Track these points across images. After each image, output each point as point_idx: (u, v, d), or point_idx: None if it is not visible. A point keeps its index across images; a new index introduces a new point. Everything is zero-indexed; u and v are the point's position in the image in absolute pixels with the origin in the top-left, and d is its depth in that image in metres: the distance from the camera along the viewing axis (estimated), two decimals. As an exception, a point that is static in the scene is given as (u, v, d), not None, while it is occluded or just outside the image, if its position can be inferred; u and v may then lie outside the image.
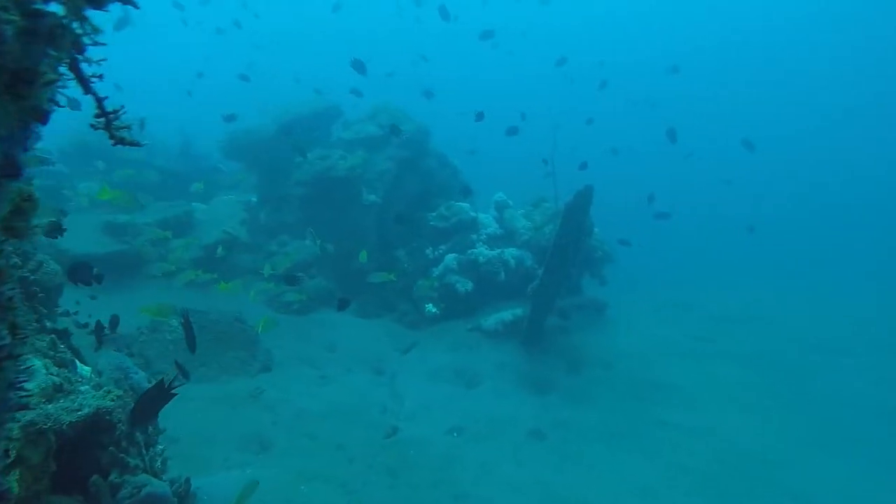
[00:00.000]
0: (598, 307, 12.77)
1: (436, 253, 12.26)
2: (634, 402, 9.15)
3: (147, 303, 8.61)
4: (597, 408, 8.87)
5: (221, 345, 8.94)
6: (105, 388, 3.56)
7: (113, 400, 3.41)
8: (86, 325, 5.72)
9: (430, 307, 11.62)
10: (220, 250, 9.60)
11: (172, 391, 3.84)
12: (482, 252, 11.87)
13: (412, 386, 9.25)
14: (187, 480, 4.32)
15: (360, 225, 13.28)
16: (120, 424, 3.49)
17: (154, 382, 3.89)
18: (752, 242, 22.15)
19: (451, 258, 11.83)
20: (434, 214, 12.64)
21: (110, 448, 3.44)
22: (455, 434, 7.81)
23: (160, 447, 4.20)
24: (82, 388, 3.45)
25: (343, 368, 9.78)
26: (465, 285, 11.64)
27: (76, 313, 5.69)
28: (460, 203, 12.69)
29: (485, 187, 15.68)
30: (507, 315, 11.09)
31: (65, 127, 15.42)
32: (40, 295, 4.32)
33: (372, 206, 13.24)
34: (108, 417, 3.34)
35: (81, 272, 4.77)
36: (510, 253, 12.08)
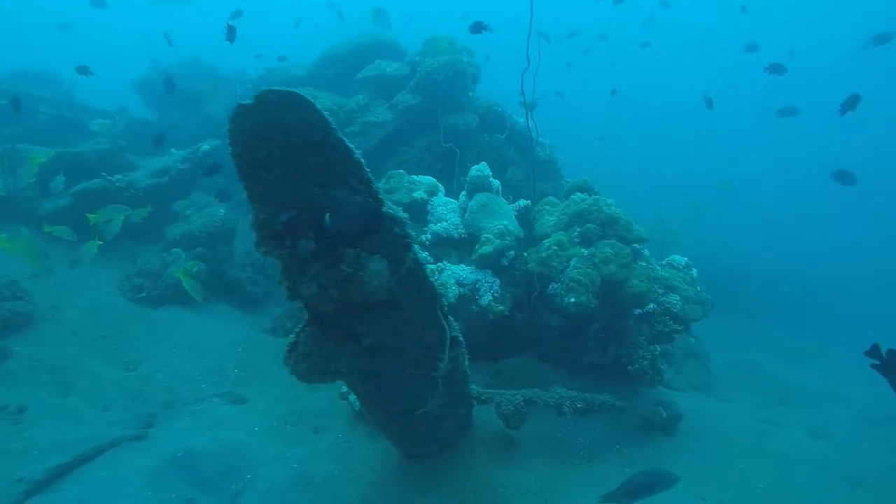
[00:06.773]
0: (649, 419, 6.00)
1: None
2: None
3: None
4: None
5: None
6: None
7: None
8: None
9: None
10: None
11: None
12: (401, 263, 6.51)
13: (105, 471, 5.07)
14: None
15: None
16: None
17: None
18: None
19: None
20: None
21: None
22: None
23: None
24: None
25: (97, 405, 6.13)
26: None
27: None
28: (417, 176, 7.31)
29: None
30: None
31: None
32: None
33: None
34: None
35: None
36: (455, 273, 6.37)
